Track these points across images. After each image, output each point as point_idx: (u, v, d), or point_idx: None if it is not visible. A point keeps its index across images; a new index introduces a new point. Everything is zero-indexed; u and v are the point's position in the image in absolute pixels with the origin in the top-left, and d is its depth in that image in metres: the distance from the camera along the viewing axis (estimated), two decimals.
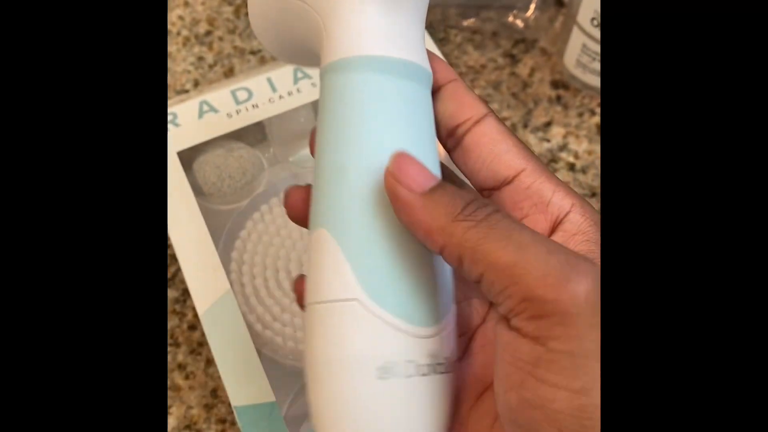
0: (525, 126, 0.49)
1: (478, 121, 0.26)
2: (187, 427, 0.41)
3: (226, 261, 0.39)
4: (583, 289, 0.19)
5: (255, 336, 0.38)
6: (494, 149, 0.25)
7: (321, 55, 0.25)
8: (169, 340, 0.42)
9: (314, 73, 0.43)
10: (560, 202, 0.25)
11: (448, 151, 0.27)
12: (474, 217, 0.21)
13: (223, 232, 0.40)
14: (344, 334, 0.22)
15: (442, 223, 0.21)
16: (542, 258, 0.20)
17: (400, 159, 0.23)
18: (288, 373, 0.39)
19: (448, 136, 0.26)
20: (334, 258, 0.23)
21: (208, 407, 0.41)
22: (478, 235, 0.21)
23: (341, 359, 0.22)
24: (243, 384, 0.35)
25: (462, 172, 0.27)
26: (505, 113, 0.49)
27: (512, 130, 0.48)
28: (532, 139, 0.48)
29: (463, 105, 0.26)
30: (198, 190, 0.41)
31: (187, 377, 0.42)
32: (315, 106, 0.43)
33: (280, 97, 0.42)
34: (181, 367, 0.42)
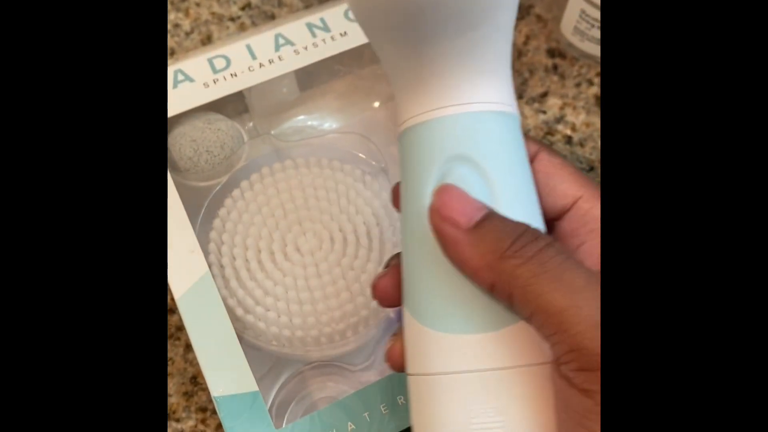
0: (520, 97, 0.47)
1: (531, 160, 0.25)
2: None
3: (203, 241, 0.37)
4: None
5: (236, 321, 0.35)
6: (549, 182, 0.25)
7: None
8: None
9: (297, 39, 0.40)
10: None
11: None
12: (523, 253, 0.20)
13: (201, 211, 0.38)
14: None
15: (490, 260, 0.20)
16: (594, 305, 0.19)
17: (444, 193, 0.22)
18: (271, 361, 0.37)
19: None
20: None
21: (187, 395, 0.39)
22: (528, 273, 0.20)
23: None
24: (223, 372, 0.33)
25: None
26: None
27: None
28: (527, 110, 0.46)
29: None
30: (173, 166, 0.38)
31: None
32: (298, 75, 0.41)
33: (261, 65, 0.39)
34: None
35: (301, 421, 0.33)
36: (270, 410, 0.35)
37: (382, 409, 0.33)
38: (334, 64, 0.41)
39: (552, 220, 0.26)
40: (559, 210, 0.26)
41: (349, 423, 0.33)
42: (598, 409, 0.18)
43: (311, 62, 0.40)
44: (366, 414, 0.33)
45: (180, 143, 0.38)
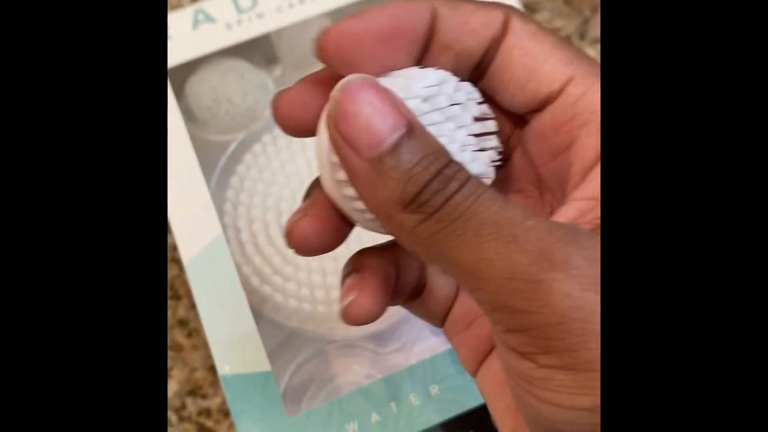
0: (581, 38, 0.42)
1: (504, 33, 0.20)
2: (191, 392, 0.36)
3: (219, 201, 0.34)
4: (559, 292, 0.16)
5: (250, 292, 0.32)
6: (529, 62, 0.19)
7: None
8: (168, 293, 0.37)
9: None
10: None
11: (475, 82, 0.21)
12: (428, 207, 0.17)
13: (217, 167, 0.35)
14: None
15: (389, 209, 0.17)
16: (503, 254, 0.16)
17: (349, 95, 0.17)
18: (289, 338, 0.33)
19: (474, 69, 0.20)
20: None
21: (214, 370, 0.35)
22: (429, 230, 0.17)
23: None
24: (233, 348, 0.30)
25: (496, 103, 0.21)
26: (557, 23, 0.43)
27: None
28: (590, 52, 0.42)
29: (469, 20, 0.19)
30: (189, 116, 0.35)
31: (189, 335, 0.36)
32: (333, 15, 0.36)
33: (290, 5, 0.35)
34: (182, 323, 0.37)
35: (318, 408, 0.29)
36: (284, 394, 0.31)
37: (413, 400, 0.29)
38: (374, 4, 0.36)
39: (533, 112, 0.21)
40: (542, 100, 0.20)
41: (374, 413, 0.29)
42: (543, 373, 0.16)
43: (349, 3, 0.35)
44: (393, 404, 0.29)
45: (198, 91, 0.34)
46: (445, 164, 0.17)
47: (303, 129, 0.20)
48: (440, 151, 0.17)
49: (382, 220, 0.18)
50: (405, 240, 0.17)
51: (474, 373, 0.22)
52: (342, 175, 0.18)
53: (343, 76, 0.19)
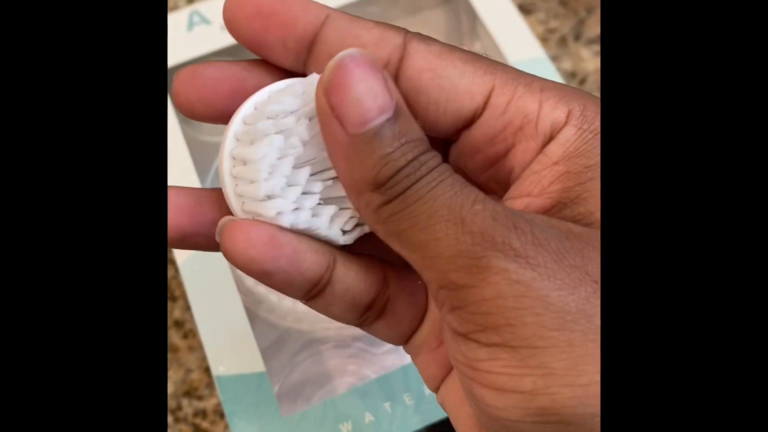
0: (577, 38, 0.41)
1: (401, 56, 0.19)
2: (187, 393, 0.36)
3: None
4: (496, 266, 0.16)
5: (245, 293, 0.32)
6: (444, 83, 0.19)
7: None
8: None
9: None
10: (551, 114, 0.19)
11: None
12: (394, 191, 0.17)
13: (212, 168, 0.35)
14: None
15: (361, 187, 0.17)
16: (451, 234, 0.17)
17: (345, 67, 0.17)
18: (283, 339, 0.33)
19: None
20: None
21: (210, 371, 0.35)
22: (390, 211, 0.17)
23: None
24: (226, 349, 0.30)
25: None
26: (552, 23, 0.42)
27: (562, 43, 0.41)
28: (585, 53, 0.41)
29: (360, 34, 0.19)
30: (183, 118, 0.35)
31: (185, 336, 0.36)
32: None
33: None
34: (178, 324, 0.37)
35: (313, 408, 0.29)
36: (279, 394, 0.31)
37: (406, 400, 0.29)
38: (371, 7, 0.36)
39: (461, 131, 0.20)
40: (468, 117, 0.19)
41: (367, 413, 0.29)
42: (483, 352, 0.16)
43: (345, 3, 0.35)
44: (387, 404, 0.29)
45: None
46: (421, 152, 0.17)
47: (191, 110, 0.19)
48: (420, 140, 0.17)
49: (351, 194, 0.18)
50: (367, 217, 0.18)
51: (436, 389, 0.21)
52: (242, 190, 0.18)
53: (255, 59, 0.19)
